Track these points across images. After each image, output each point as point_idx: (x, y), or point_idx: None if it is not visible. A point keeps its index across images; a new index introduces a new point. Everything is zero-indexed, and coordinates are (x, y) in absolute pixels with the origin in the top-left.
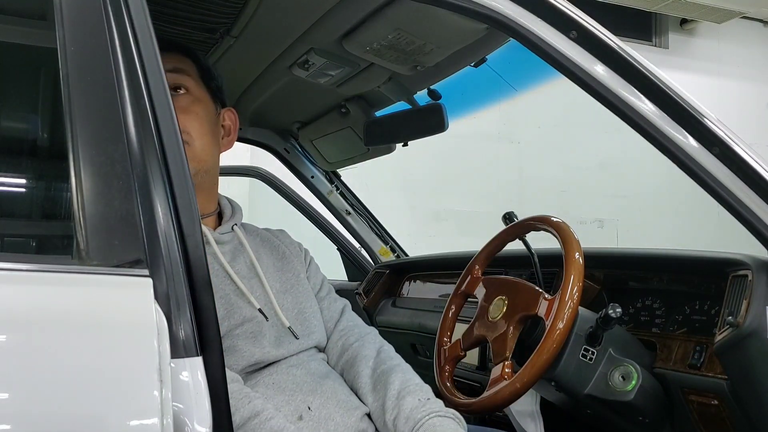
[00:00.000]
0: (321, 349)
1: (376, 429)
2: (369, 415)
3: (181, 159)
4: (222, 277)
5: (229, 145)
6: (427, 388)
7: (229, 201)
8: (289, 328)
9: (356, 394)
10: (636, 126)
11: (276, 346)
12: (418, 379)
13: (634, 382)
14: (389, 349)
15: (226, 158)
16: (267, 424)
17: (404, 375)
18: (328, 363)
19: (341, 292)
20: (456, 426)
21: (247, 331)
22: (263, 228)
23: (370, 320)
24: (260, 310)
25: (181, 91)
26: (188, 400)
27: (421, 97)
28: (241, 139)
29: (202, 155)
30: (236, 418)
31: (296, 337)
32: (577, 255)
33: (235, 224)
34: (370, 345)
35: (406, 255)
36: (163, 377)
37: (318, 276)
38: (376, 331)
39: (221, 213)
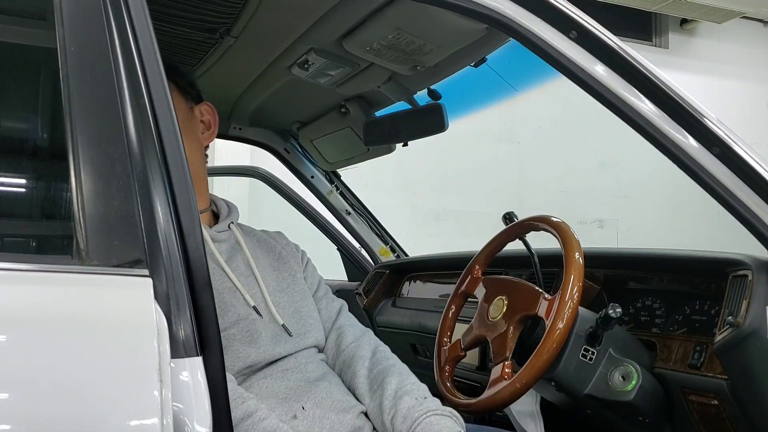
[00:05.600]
0: (321, 349)
1: (373, 427)
2: (365, 414)
3: (181, 159)
4: (218, 276)
5: (210, 139)
6: (424, 387)
7: (225, 201)
8: (282, 325)
9: (354, 394)
10: (636, 126)
11: (273, 345)
12: (414, 379)
13: (634, 382)
14: (385, 349)
15: (226, 158)
16: (260, 424)
17: (400, 375)
18: (327, 363)
19: (341, 292)
20: (453, 423)
21: (243, 331)
22: (260, 230)
23: (370, 320)
24: (254, 308)
25: None
26: (188, 400)
27: (421, 97)
28: (241, 139)
29: None
30: None
31: (290, 335)
32: (577, 255)
33: (232, 222)
34: (366, 345)
35: (406, 255)
36: (163, 377)
37: (315, 277)
38: (372, 332)
39: (217, 213)
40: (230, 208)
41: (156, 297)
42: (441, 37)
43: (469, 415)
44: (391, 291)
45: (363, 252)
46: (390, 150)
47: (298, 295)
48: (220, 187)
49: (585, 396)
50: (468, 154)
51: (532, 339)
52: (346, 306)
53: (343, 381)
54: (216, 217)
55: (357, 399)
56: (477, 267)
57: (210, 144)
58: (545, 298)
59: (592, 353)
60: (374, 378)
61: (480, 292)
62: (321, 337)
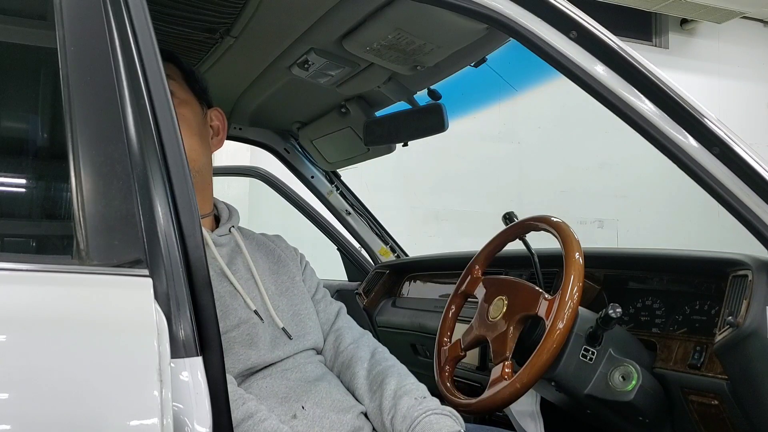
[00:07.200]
0: (319, 351)
1: (373, 428)
2: (365, 415)
3: (181, 159)
4: (219, 279)
5: (219, 145)
6: (423, 387)
7: (226, 205)
8: (282, 328)
9: (353, 395)
10: (636, 126)
11: (272, 348)
12: (413, 379)
13: (634, 382)
14: (384, 350)
15: (226, 158)
16: (261, 425)
17: (399, 376)
18: (325, 365)
19: (341, 292)
20: (452, 422)
21: (243, 334)
22: (259, 233)
23: (370, 320)
24: (255, 312)
25: None
26: (188, 400)
27: (421, 97)
28: (241, 139)
29: (192, 155)
30: None
31: (290, 338)
32: (577, 255)
33: (232, 226)
34: (365, 347)
35: (406, 255)
36: (163, 377)
37: (313, 279)
38: (370, 334)
39: (218, 216)
40: (231, 211)
41: (156, 297)
42: (441, 37)
43: (469, 415)
44: (391, 291)
45: (363, 252)
46: (390, 150)
47: (297, 298)
48: (220, 187)
49: (585, 396)
50: (468, 154)
51: (532, 339)
52: (344, 308)
53: (342, 382)
54: (217, 221)
55: (356, 399)
56: (477, 267)
57: None
58: (545, 298)
59: (592, 353)
60: (373, 379)
61: (480, 292)
62: (319, 339)
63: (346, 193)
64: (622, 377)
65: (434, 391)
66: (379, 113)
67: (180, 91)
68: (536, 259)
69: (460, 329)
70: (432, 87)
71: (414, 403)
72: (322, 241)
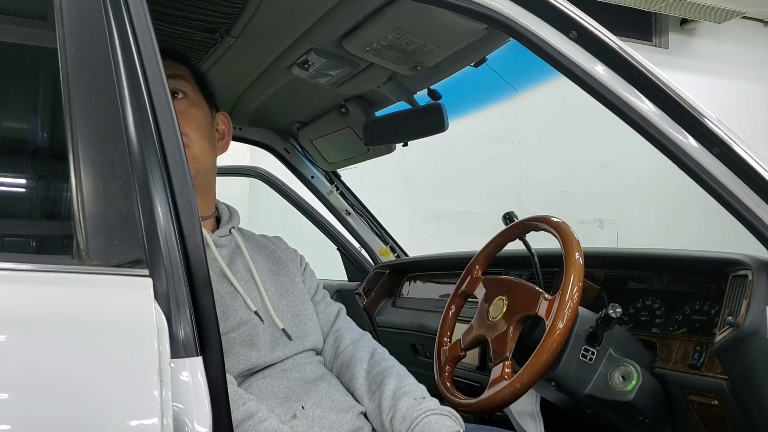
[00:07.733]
0: (318, 352)
1: (372, 428)
2: (364, 415)
3: (181, 159)
4: (219, 280)
5: (224, 149)
6: (422, 387)
7: (227, 206)
8: (282, 329)
9: (352, 396)
10: (636, 126)
11: (272, 349)
12: (412, 380)
13: (634, 382)
14: (383, 351)
15: (226, 158)
16: (261, 425)
17: (399, 376)
18: (324, 365)
19: (341, 292)
20: (452, 423)
21: (244, 335)
22: (259, 234)
23: (370, 320)
24: (256, 313)
25: (179, 96)
26: (188, 400)
27: (421, 97)
28: (241, 139)
29: (201, 157)
30: None
31: (290, 338)
32: (577, 255)
33: (233, 227)
34: (364, 348)
35: (406, 255)
36: (163, 377)
37: (313, 281)
38: (370, 335)
39: (219, 217)
40: (231, 212)
41: (156, 297)
42: (441, 37)
43: (469, 415)
44: (391, 291)
45: (363, 252)
46: (390, 150)
47: (297, 299)
48: (220, 187)
49: (585, 396)
50: (468, 154)
51: (532, 339)
52: (344, 309)
53: (341, 383)
54: (218, 222)
55: (356, 400)
56: (477, 267)
57: None
58: (545, 298)
59: (592, 353)
60: (373, 379)
61: (480, 292)
62: (319, 340)
63: (346, 193)
64: (622, 377)
65: (434, 391)
66: (379, 113)
67: (192, 93)
68: (536, 259)
69: (460, 329)
70: (432, 87)
71: (413, 403)
72: (322, 241)
